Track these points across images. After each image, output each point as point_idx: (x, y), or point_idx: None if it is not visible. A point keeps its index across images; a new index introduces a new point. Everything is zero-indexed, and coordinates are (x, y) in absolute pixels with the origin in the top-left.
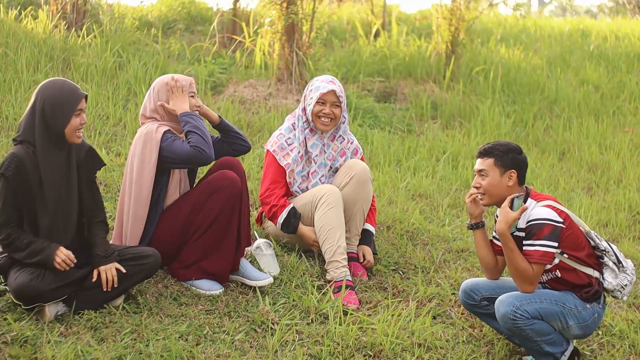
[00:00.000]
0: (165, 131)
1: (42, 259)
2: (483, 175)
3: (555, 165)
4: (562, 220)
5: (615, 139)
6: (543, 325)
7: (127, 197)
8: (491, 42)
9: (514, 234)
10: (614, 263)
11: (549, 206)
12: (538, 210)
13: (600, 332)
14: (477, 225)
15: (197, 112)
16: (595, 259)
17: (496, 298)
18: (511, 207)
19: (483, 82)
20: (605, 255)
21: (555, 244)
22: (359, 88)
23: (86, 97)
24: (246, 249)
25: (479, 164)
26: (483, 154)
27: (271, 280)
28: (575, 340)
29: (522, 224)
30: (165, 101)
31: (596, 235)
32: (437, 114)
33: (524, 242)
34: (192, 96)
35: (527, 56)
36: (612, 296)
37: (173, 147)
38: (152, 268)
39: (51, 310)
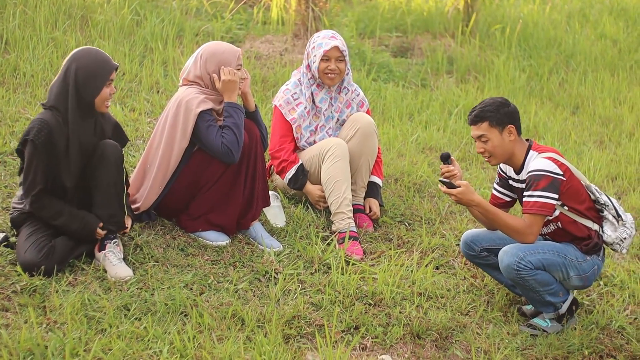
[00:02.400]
0: (205, 111)
1: (84, 228)
2: (484, 140)
3: (568, 119)
4: (562, 172)
5: (630, 93)
6: (545, 275)
7: (152, 156)
8: None
9: (515, 185)
10: (614, 217)
11: (549, 158)
12: (538, 162)
13: (601, 283)
14: None
15: (242, 87)
16: (595, 212)
17: (496, 249)
18: (446, 184)
19: (500, 37)
20: (605, 208)
21: (555, 196)
22: (376, 43)
23: (117, 67)
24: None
25: (474, 130)
26: (475, 120)
27: (280, 247)
28: (574, 291)
29: (523, 175)
30: (214, 72)
31: (596, 189)
32: (452, 68)
33: (524, 193)
34: (239, 69)
35: (545, 11)
36: (612, 249)
37: (206, 134)
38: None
39: None
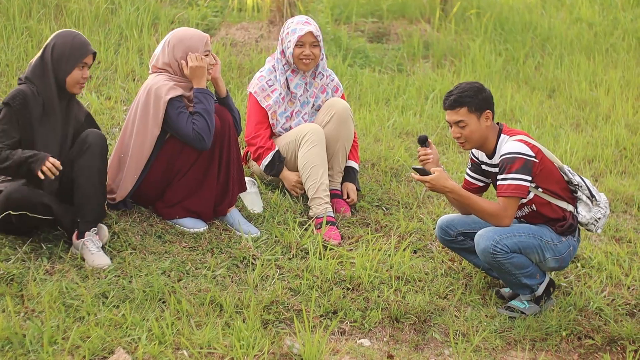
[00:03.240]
0: (175, 98)
1: (33, 162)
2: (462, 125)
3: (545, 102)
4: (534, 154)
5: (606, 77)
6: (522, 258)
7: (126, 145)
8: None
9: (488, 170)
10: (587, 197)
11: (521, 140)
12: (510, 145)
13: (578, 265)
14: None
15: (211, 73)
16: (569, 192)
17: (472, 232)
18: (419, 172)
19: (475, 22)
20: (578, 189)
21: (529, 178)
22: (352, 29)
23: (94, 54)
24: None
25: (452, 115)
26: (454, 104)
27: (258, 233)
28: (551, 272)
29: (495, 159)
30: (181, 58)
31: (569, 170)
32: (428, 53)
33: (497, 177)
34: (207, 55)
35: None
36: (587, 229)
37: (176, 121)
38: None
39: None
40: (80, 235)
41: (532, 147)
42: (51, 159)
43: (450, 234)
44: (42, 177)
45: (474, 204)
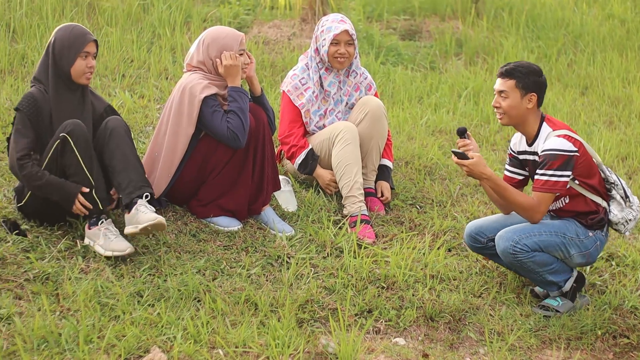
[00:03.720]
0: (209, 97)
1: (63, 196)
2: (504, 96)
3: (577, 100)
4: (576, 149)
5: (639, 73)
6: (544, 256)
7: (160, 144)
8: None
9: (526, 158)
10: (621, 197)
11: (564, 136)
12: (553, 141)
13: (613, 263)
14: None
15: (246, 72)
16: (605, 189)
17: None
18: (458, 155)
19: (508, 19)
20: (613, 188)
21: (569, 173)
22: (384, 26)
23: (96, 42)
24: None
25: (499, 84)
26: (505, 74)
27: (292, 232)
28: (582, 268)
29: (535, 147)
30: (216, 57)
31: (607, 168)
32: (461, 50)
33: (537, 171)
34: (242, 54)
35: None
36: (615, 229)
37: (211, 120)
38: None
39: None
40: (92, 224)
41: (574, 142)
42: (81, 199)
43: (480, 241)
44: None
45: (509, 195)
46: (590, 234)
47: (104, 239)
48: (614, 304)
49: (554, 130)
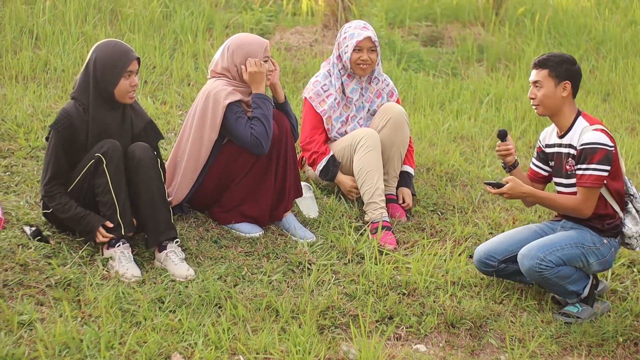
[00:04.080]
0: (233, 103)
1: (85, 229)
2: (538, 86)
3: (599, 106)
4: (613, 145)
5: None
6: (567, 269)
7: (183, 150)
8: None
9: (552, 151)
10: (637, 210)
11: (602, 130)
12: (591, 134)
13: (634, 270)
14: (513, 166)
15: (270, 79)
16: (624, 198)
17: (513, 256)
18: (493, 185)
19: (529, 25)
20: (632, 200)
21: (608, 167)
22: (406, 32)
23: (139, 59)
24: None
25: (533, 75)
26: (538, 65)
27: (314, 238)
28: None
29: (567, 139)
30: (241, 63)
31: (629, 180)
32: (482, 57)
33: (578, 166)
34: (266, 60)
35: None
36: (626, 243)
37: (235, 126)
38: None
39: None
40: (161, 248)
41: (611, 138)
42: (102, 231)
43: (492, 265)
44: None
45: (553, 203)
46: (605, 240)
47: (118, 263)
48: (636, 310)
49: (590, 124)
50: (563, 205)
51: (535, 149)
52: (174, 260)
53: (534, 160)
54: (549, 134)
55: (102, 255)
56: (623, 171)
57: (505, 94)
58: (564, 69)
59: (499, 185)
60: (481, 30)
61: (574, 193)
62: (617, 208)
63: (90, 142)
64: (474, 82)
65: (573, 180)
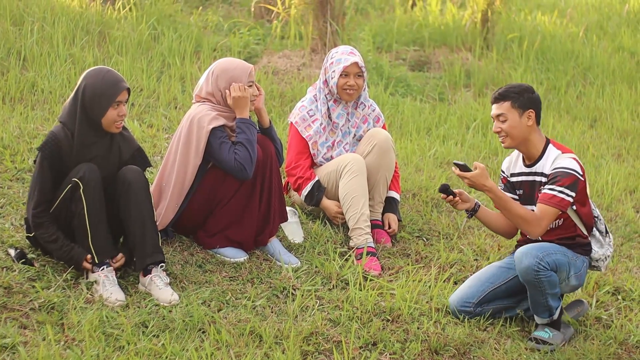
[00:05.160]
0: (217, 128)
1: (69, 262)
2: (502, 119)
3: (586, 132)
4: (582, 173)
5: None
6: (555, 277)
7: (168, 174)
8: (527, 10)
9: (518, 180)
10: (600, 232)
11: (574, 159)
12: (566, 161)
13: (619, 297)
14: (475, 210)
15: (255, 104)
16: (590, 222)
17: (487, 296)
18: (460, 167)
19: (517, 50)
20: (596, 222)
21: (574, 194)
22: (393, 57)
23: (129, 90)
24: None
25: (495, 109)
26: (498, 98)
27: (298, 264)
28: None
29: (537, 168)
30: (225, 88)
31: (592, 203)
32: (470, 82)
33: (546, 186)
34: (250, 85)
35: (562, 24)
36: (594, 266)
37: (219, 151)
38: None
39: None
40: (146, 272)
41: (582, 168)
42: (86, 265)
43: (468, 311)
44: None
45: (510, 208)
46: (578, 255)
47: (102, 287)
48: (620, 338)
49: (563, 152)
50: (519, 213)
51: (500, 180)
52: (158, 285)
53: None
54: (513, 163)
55: (87, 278)
56: (589, 193)
57: (492, 120)
58: (525, 98)
59: (466, 169)
60: (468, 55)
61: None
62: (584, 231)
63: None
64: (461, 108)
65: None
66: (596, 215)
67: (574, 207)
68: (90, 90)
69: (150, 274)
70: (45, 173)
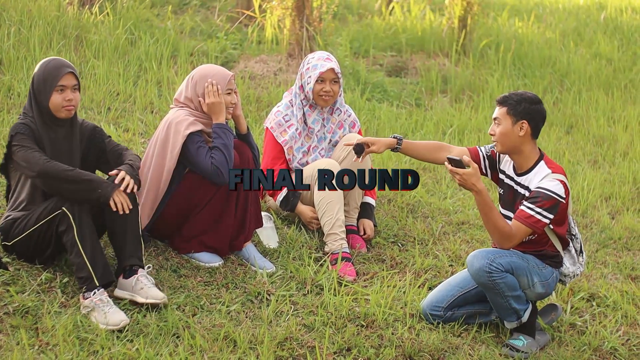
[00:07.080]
0: (194, 133)
1: (101, 192)
2: (497, 123)
3: (562, 139)
4: (565, 197)
5: (624, 113)
6: (513, 279)
7: (144, 178)
8: (504, 16)
9: (513, 186)
10: (576, 250)
11: (562, 182)
12: (553, 183)
13: (594, 303)
14: (399, 145)
15: (231, 111)
16: (566, 239)
17: (456, 300)
18: (453, 163)
19: (494, 56)
20: (572, 239)
21: (552, 216)
22: (370, 62)
23: (74, 73)
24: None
25: (495, 111)
26: (500, 102)
27: (273, 269)
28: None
29: (525, 180)
30: (203, 95)
31: (573, 220)
32: (446, 88)
33: (526, 202)
34: (229, 93)
35: (540, 30)
36: (560, 280)
37: (196, 156)
38: None
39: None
40: (131, 273)
41: (566, 190)
42: (122, 195)
43: (438, 315)
44: (114, 208)
45: (491, 216)
46: (546, 265)
47: (98, 312)
48: (594, 344)
49: (553, 172)
50: (497, 225)
51: (490, 151)
52: (146, 284)
53: (483, 150)
54: (508, 162)
55: (80, 309)
56: (569, 212)
57: (468, 125)
58: (522, 108)
59: (459, 166)
60: (445, 61)
61: None
62: (559, 248)
63: (46, 153)
64: (438, 113)
65: None
66: (574, 234)
67: (551, 227)
68: (37, 77)
69: (137, 274)
70: (32, 144)
